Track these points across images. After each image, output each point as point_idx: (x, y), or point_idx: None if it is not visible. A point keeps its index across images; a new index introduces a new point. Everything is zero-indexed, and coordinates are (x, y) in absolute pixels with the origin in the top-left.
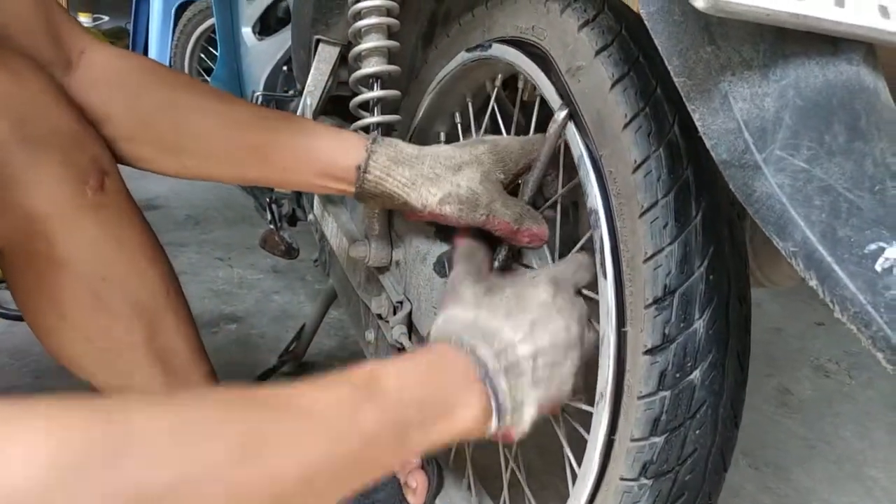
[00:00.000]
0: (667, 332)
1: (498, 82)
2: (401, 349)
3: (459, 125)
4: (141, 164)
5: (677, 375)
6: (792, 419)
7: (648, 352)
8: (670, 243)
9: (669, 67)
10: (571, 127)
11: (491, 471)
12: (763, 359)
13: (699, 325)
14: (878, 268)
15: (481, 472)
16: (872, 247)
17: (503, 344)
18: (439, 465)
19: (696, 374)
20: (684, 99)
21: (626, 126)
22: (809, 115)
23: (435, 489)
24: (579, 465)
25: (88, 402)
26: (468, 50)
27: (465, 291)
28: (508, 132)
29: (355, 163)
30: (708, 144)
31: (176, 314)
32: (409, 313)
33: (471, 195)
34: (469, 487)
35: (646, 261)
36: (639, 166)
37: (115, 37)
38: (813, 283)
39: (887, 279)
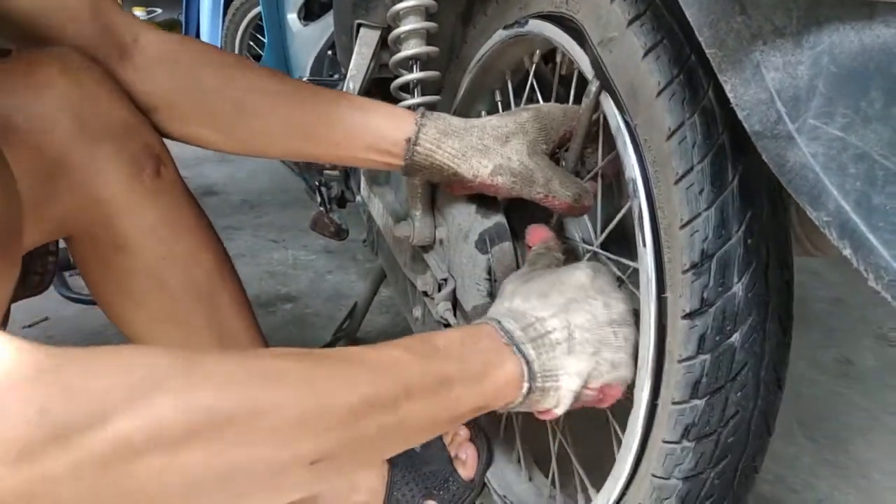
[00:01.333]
0: (705, 296)
1: (536, 58)
2: (446, 325)
3: (500, 103)
4: (198, 143)
5: (717, 339)
6: (853, 390)
7: (687, 316)
8: (706, 208)
9: (700, 39)
10: (608, 99)
11: (541, 445)
12: (823, 329)
13: (738, 288)
14: None
15: (531, 446)
16: None
17: (531, 319)
18: (489, 438)
19: (735, 337)
20: (716, 70)
21: (659, 94)
22: (845, 82)
23: (485, 462)
24: (623, 431)
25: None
26: (505, 27)
27: (506, 286)
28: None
29: (405, 136)
30: (740, 116)
31: (231, 295)
32: (454, 290)
33: (524, 170)
34: (519, 460)
35: (682, 227)
36: (673, 133)
37: (169, 28)
38: (847, 252)
39: None
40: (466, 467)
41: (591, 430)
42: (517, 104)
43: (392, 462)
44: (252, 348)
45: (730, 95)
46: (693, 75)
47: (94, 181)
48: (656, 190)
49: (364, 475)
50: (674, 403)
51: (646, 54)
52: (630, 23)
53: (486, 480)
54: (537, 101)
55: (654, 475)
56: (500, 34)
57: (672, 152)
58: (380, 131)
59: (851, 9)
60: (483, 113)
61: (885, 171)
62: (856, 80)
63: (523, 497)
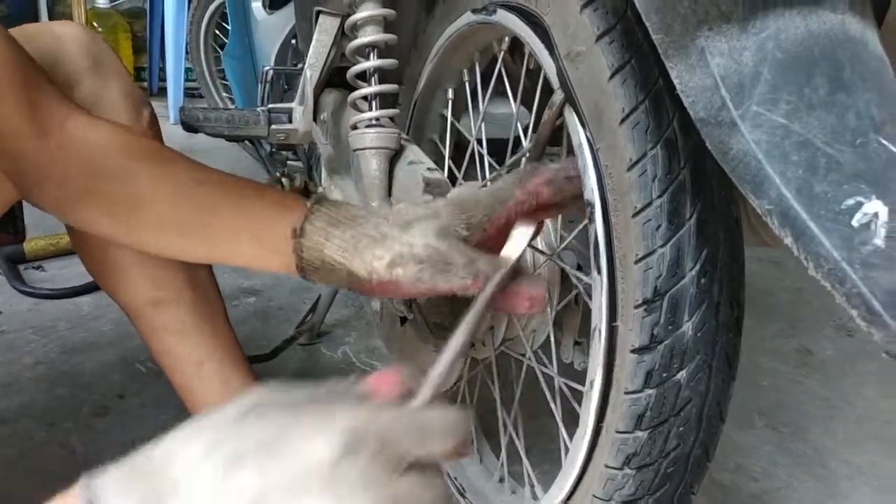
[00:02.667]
0: (655, 332)
1: (505, 46)
2: (403, 319)
3: (467, 83)
4: (82, 225)
5: (663, 375)
6: (812, 379)
7: (636, 351)
8: (662, 245)
9: (647, 24)
10: (571, 114)
11: (492, 423)
12: (784, 319)
13: (688, 327)
14: (854, 223)
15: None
16: (850, 202)
17: None
18: None
19: (682, 375)
20: (662, 56)
21: (623, 121)
22: (789, 68)
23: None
24: (569, 433)
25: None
26: (474, 11)
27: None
28: (515, 96)
29: (291, 225)
30: (685, 102)
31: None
32: None
33: (433, 253)
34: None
35: (637, 262)
36: (634, 164)
37: (133, 17)
38: (788, 240)
39: (863, 234)
40: None
41: (543, 422)
42: (484, 89)
43: None
44: (214, 296)
45: (675, 82)
46: (659, 102)
47: (100, 109)
48: (614, 219)
49: None
50: (618, 432)
51: (612, 76)
52: (599, 38)
53: None
54: (504, 91)
55: (595, 496)
56: (468, 17)
57: (632, 184)
58: (263, 221)
59: None
60: (450, 91)
61: (828, 158)
62: (801, 67)
63: (473, 480)
